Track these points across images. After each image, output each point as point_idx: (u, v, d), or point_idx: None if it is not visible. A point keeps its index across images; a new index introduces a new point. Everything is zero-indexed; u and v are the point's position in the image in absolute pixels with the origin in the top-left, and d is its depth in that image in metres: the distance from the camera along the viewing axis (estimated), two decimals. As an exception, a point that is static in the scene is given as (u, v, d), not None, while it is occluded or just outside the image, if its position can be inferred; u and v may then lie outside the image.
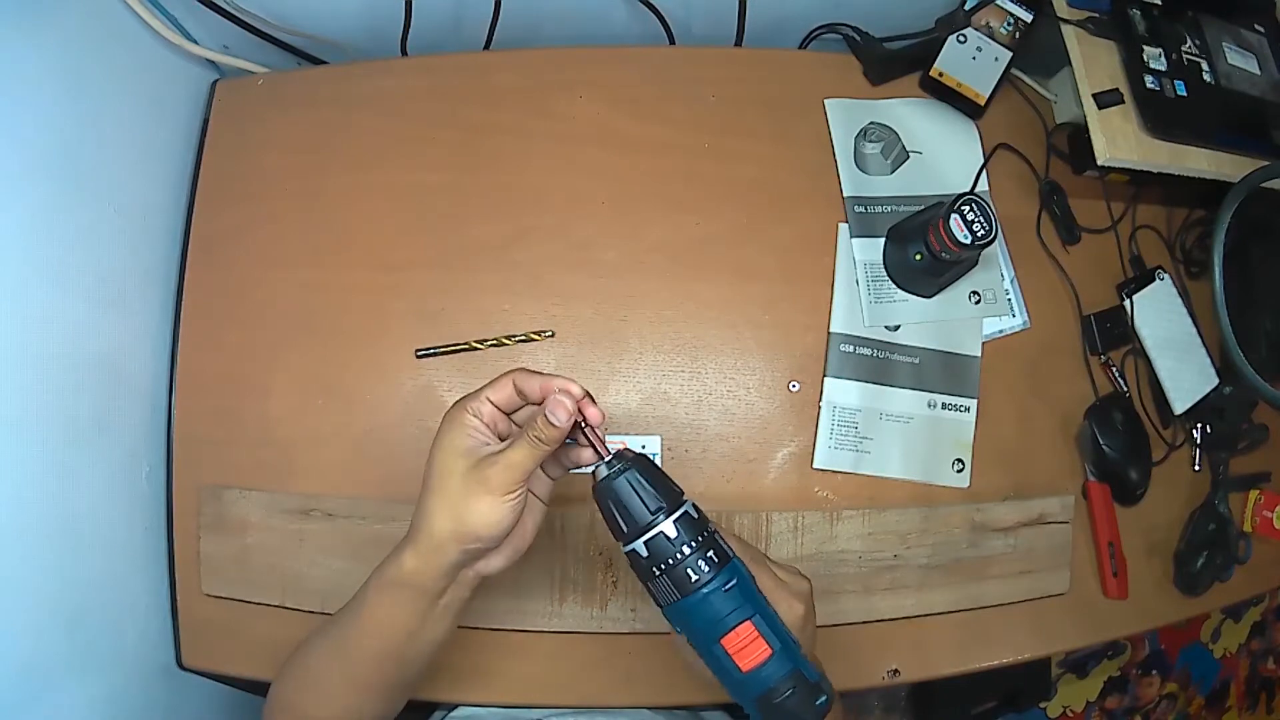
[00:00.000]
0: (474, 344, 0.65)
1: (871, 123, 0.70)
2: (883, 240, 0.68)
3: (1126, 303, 0.70)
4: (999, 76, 0.70)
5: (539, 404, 0.41)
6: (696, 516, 0.40)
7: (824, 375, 0.66)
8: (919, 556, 0.64)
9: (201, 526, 0.63)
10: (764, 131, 0.70)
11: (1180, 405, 0.70)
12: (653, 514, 0.39)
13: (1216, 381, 0.71)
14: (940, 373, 0.67)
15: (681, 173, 0.69)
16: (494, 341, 0.65)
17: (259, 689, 0.74)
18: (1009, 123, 0.72)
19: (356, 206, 0.68)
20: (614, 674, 0.62)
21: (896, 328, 0.67)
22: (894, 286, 0.68)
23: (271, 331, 0.66)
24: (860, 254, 0.68)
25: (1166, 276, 0.72)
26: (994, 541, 0.65)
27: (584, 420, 0.41)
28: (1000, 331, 0.69)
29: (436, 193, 0.68)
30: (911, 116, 0.71)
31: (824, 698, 0.40)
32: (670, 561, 0.39)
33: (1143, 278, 0.72)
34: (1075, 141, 0.70)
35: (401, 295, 0.66)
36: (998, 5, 0.69)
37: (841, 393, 0.66)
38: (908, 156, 0.70)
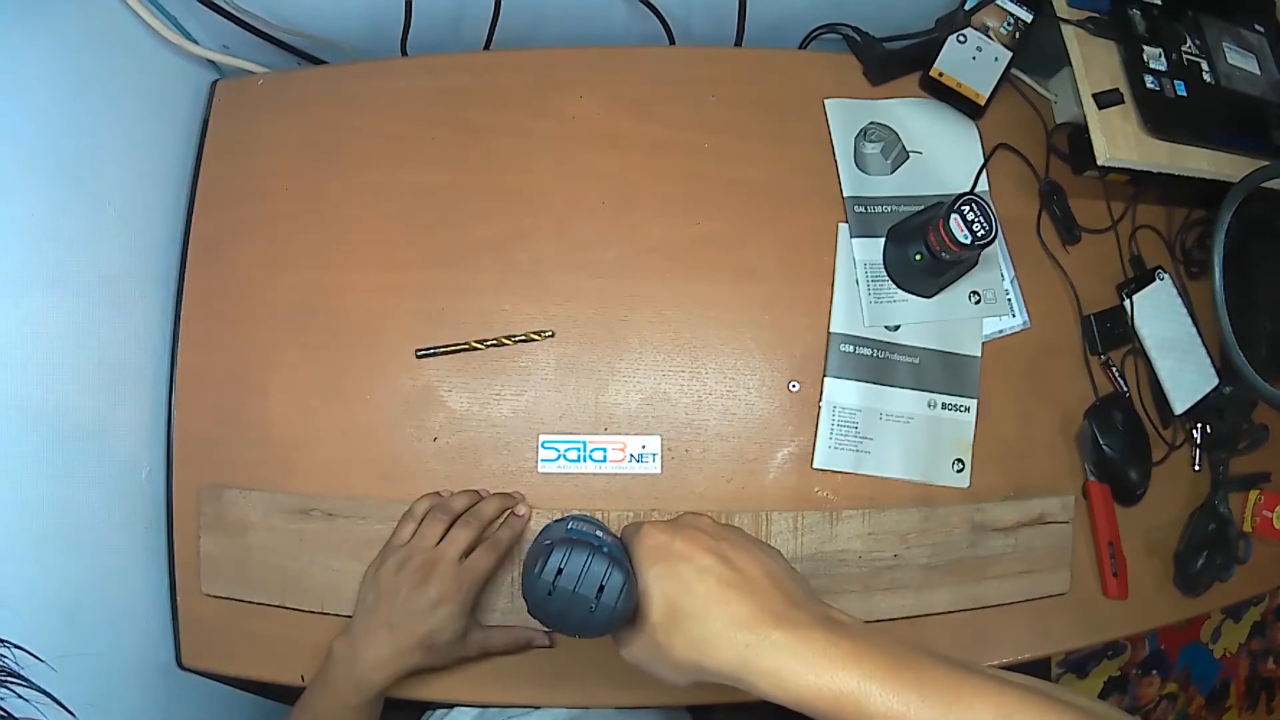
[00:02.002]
0: (474, 344, 0.65)
1: (871, 123, 0.70)
2: (883, 240, 0.68)
3: (1126, 303, 0.70)
4: (999, 76, 0.70)
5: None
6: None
7: (824, 375, 0.66)
8: (919, 556, 0.64)
9: (201, 526, 0.63)
10: (764, 131, 0.70)
11: (1180, 405, 0.70)
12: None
13: (1216, 381, 0.71)
14: (940, 373, 0.67)
15: (681, 173, 0.69)
16: (494, 341, 0.65)
17: (259, 689, 0.75)
18: (1009, 123, 0.72)
19: (356, 206, 0.68)
20: (613, 674, 0.62)
21: (896, 328, 0.67)
22: (894, 286, 0.68)
23: (271, 331, 0.66)
24: (860, 254, 0.68)
25: (1166, 276, 0.72)
26: (994, 541, 0.65)
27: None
28: (1000, 331, 0.69)
29: (436, 193, 0.68)
30: (911, 116, 0.71)
31: (572, 526, 0.43)
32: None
33: (1143, 278, 0.72)
34: (1075, 141, 0.70)
35: (401, 295, 0.66)
36: (998, 5, 0.69)
37: (841, 393, 0.66)
38: (908, 156, 0.70)
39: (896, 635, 0.37)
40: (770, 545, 0.43)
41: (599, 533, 0.43)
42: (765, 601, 0.38)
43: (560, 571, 0.39)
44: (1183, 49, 0.67)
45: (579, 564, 0.39)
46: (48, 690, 0.29)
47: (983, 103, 0.71)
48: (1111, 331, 0.70)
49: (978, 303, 0.69)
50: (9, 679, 0.28)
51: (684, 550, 0.40)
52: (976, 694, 0.32)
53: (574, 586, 0.39)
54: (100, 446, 0.60)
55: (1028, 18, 0.69)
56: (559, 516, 0.47)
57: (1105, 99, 0.64)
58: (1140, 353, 0.71)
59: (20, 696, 0.28)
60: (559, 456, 0.64)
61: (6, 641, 0.28)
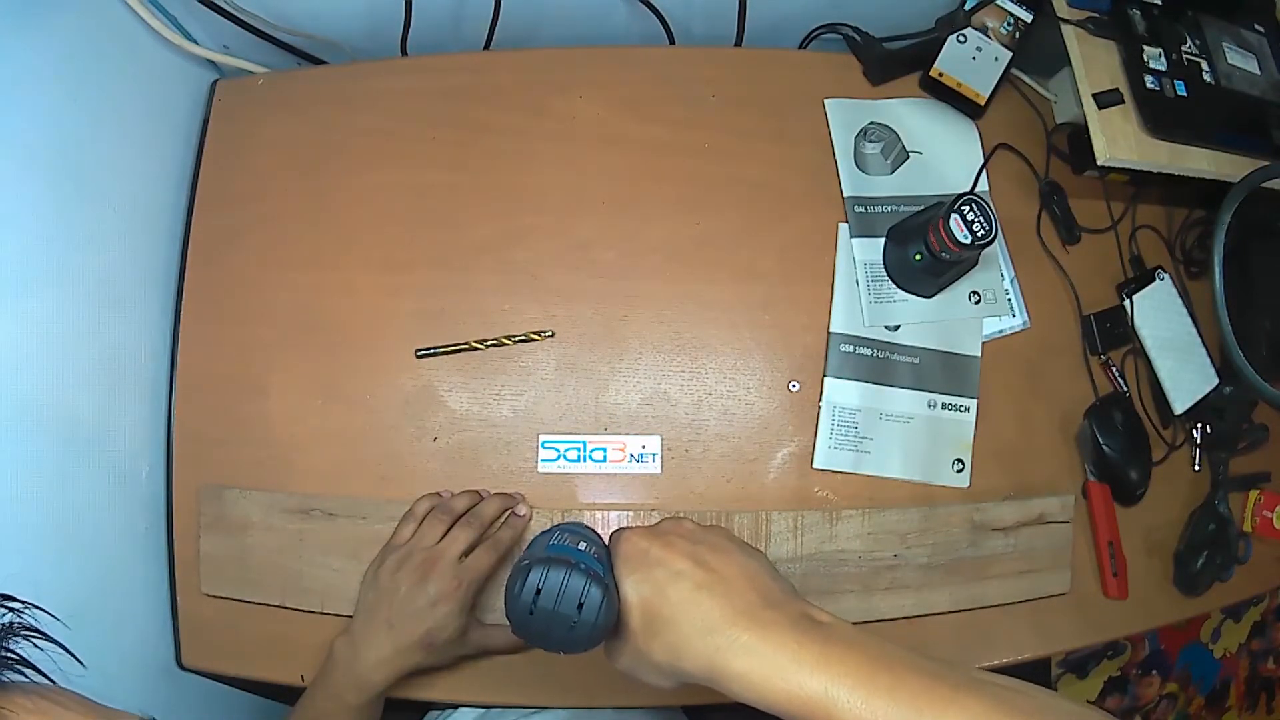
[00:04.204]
0: (474, 344, 0.65)
1: (871, 123, 0.70)
2: (883, 240, 0.68)
3: (1126, 303, 0.70)
4: (999, 76, 0.70)
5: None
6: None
7: (824, 375, 0.66)
8: (919, 556, 0.64)
9: (201, 526, 0.63)
10: (764, 131, 0.70)
11: (1180, 405, 0.70)
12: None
13: (1216, 381, 0.71)
14: (940, 373, 0.67)
15: (681, 173, 0.69)
16: (494, 341, 0.65)
17: (259, 689, 0.75)
18: (1009, 123, 0.72)
19: (356, 206, 0.68)
20: (613, 675, 0.62)
21: (896, 328, 0.67)
22: (894, 286, 0.68)
23: (271, 331, 0.66)
24: (860, 254, 0.68)
25: (1166, 276, 0.72)
26: (994, 541, 0.65)
27: None
28: (1000, 331, 0.69)
29: (436, 193, 0.68)
30: (911, 116, 0.71)
31: (555, 541, 0.43)
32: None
33: (1143, 278, 0.72)
34: (1075, 141, 0.70)
35: (401, 295, 0.66)
36: (998, 5, 0.69)
37: (841, 393, 0.66)
38: (908, 156, 0.70)
39: (890, 636, 0.36)
40: (754, 546, 0.43)
41: (581, 545, 0.43)
42: (739, 603, 0.37)
43: (539, 591, 0.39)
44: (1183, 49, 0.67)
45: (556, 582, 0.39)
46: (62, 643, 0.31)
47: (983, 103, 0.71)
48: (1111, 331, 0.70)
49: (978, 303, 0.69)
50: (30, 632, 0.30)
51: (660, 556, 0.40)
52: (950, 701, 0.31)
53: (553, 605, 0.39)
54: (100, 446, 0.60)
55: (1028, 18, 0.69)
56: (546, 528, 0.47)
57: (1105, 99, 0.64)
58: (1140, 353, 0.71)
59: (37, 647, 0.30)
60: (559, 456, 0.64)
61: (28, 603, 0.31)
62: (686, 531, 0.42)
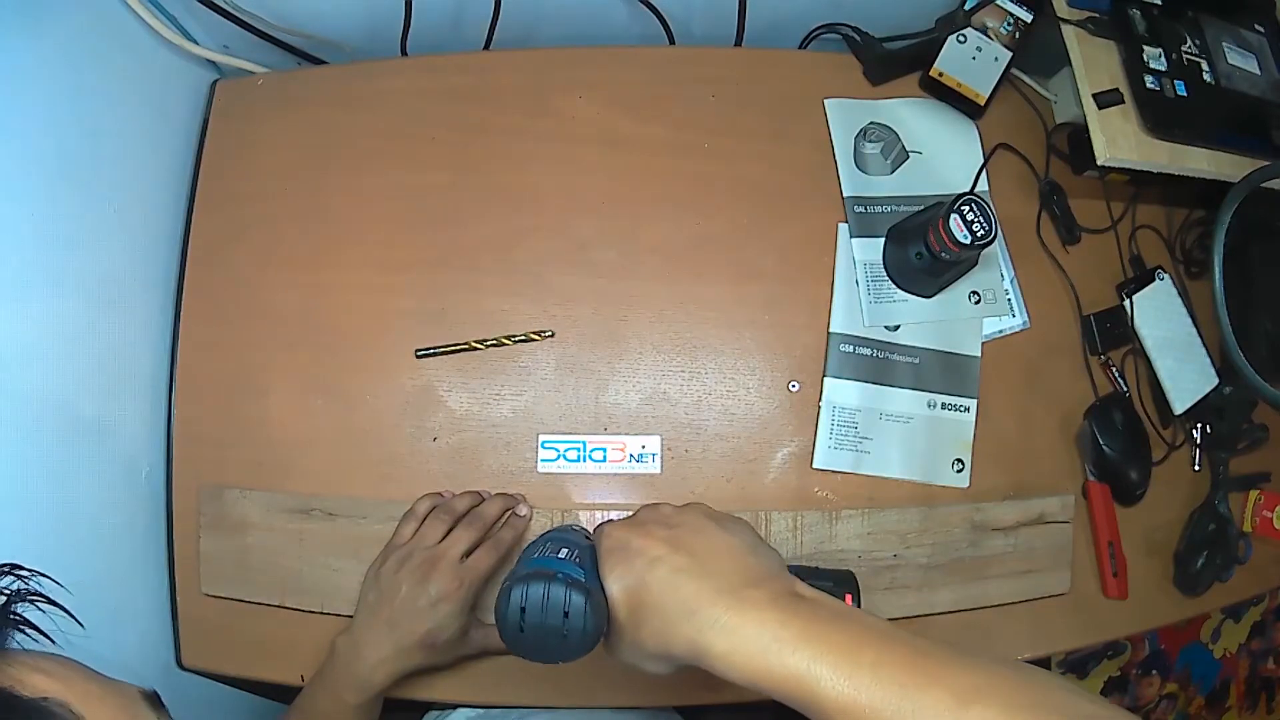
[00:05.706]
0: (474, 344, 0.65)
1: (871, 123, 0.70)
2: (883, 240, 0.68)
3: (1126, 303, 0.70)
4: (999, 76, 0.70)
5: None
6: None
7: (824, 375, 0.66)
8: (919, 556, 0.64)
9: (201, 526, 0.63)
10: (764, 131, 0.70)
11: (1180, 405, 0.70)
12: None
13: (1216, 381, 0.71)
14: (940, 373, 0.67)
15: (681, 173, 0.69)
16: (494, 341, 0.65)
17: (259, 689, 0.75)
18: (1009, 123, 0.72)
19: (356, 206, 0.68)
20: (612, 675, 0.62)
21: (896, 328, 0.67)
22: (894, 286, 0.68)
23: (271, 331, 0.66)
24: (860, 254, 0.68)
25: (1166, 276, 0.72)
26: (994, 541, 0.65)
27: None
28: (1000, 331, 0.69)
29: (436, 193, 0.68)
30: (911, 116, 0.71)
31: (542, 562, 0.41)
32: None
33: (1143, 278, 0.72)
34: (1075, 141, 0.70)
35: (401, 295, 0.66)
36: (998, 5, 0.69)
37: (841, 393, 0.66)
38: (908, 156, 0.70)
39: (873, 614, 0.36)
40: (736, 518, 0.43)
41: (562, 553, 0.43)
42: (720, 583, 0.37)
43: (524, 609, 0.40)
44: (1183, 49, 0.67)
45: (538, 596, 0.39)
46: (64, 606, 0.34)
47: (983, 103, 0.70)
48: (1111, 331, 0.70)
49: (978, 303, 0.69)
50: (34, 597, 0.32)
51: (639, 545, 0.40)
52: (934, 678, 0.31)
53: (540, 619, 0.39)
54: (100, 446, 0.60)
55: (1028, 18, 0.69)
56: (534, 539, 0.48)
57: (1105, 99, 0.64)
58: (1140, 353, 0.71)
59: (42, 611, 0.32)
60: (559, 456, 0.64)
61: (35, 570, 0.33)
62: (663, 517, 0.42)
